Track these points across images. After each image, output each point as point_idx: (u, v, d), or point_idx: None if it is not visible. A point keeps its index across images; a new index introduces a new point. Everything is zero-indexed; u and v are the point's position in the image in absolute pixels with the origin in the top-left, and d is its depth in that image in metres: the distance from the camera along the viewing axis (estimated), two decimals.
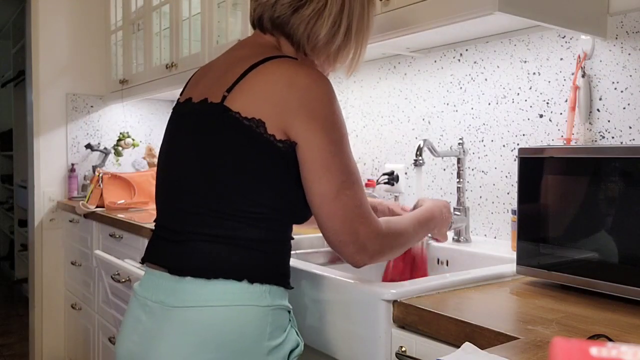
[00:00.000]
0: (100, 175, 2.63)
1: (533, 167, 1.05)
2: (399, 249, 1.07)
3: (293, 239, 1.05)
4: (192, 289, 0.93)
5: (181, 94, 1.11)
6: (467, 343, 0.75)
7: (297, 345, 0.99)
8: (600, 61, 1.31)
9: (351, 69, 1.16)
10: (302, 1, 1.03)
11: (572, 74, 1.36)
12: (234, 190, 0.94)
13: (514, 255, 1.10)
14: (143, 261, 1.05)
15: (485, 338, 0.80)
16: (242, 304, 0.92)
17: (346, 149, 0.98)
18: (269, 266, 0.97)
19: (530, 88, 1.46)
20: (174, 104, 1.12)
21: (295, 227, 1.05)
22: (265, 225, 0.96)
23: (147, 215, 2.22)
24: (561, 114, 1.39)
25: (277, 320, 0.95)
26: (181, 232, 0.98)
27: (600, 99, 1.31)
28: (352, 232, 0.96)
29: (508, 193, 1.51)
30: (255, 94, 0.95)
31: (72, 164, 2.98)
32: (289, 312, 1.00)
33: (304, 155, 0.95)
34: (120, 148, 3.03)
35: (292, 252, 1.06)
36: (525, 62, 1.47)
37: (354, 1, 1.07)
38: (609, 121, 1.29)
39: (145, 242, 1.80)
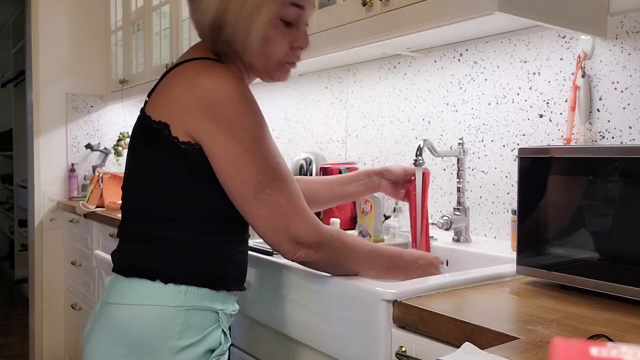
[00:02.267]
0: (100, 175, 2.63)
1: (533, 167, 1.05)
2: (344, 259, 1.03)
3: (245, 240, 1.06)
4: (116, 286, 0.98)
5: None
6: (467, 343, 0.75)
7: (219, 345, 1.00)
8: (600, 61, 1.31)
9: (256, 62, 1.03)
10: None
11: (572, 74, 1.36)
12: (148, 192, 0.98)
13: (514, 255, 1.10)
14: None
15: (485, 338, 0.80)
16: (151, 304, 0.95)
17: (259, 148, 0.95)
18: (187, 267, 0.97)
19: (530, 88, 1.46)
20: None
21: None
22: (180, 226, 0.97)
23: None
24: (561, 114, 1.39)
25: (192, 321, 0.96)
26: (121, 231, 1.04)
27: (600, 99, 1.31)
28: (282, 230, 0.96)
29: (508, 193, 1.51)
30: (162, 97, 0.98)
31: (72, 164, 2.98)
32: (217, 312, 1.00)
33: (212, 159, 0.95)
34: (120, 148, 3.04)
35: None
36: (525, 62, 1.47)
37: None
38: (609, 121, 1.29)
39: None
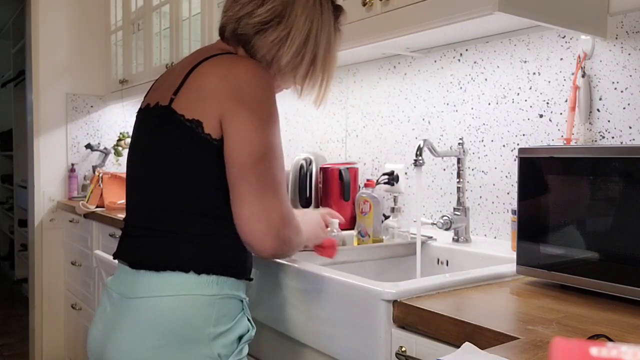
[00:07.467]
0: (100, 175, 2.63)
1: (533, 167, 1.05)
2: (295, 248, 1.06)
3: None
4: (145, 281, 0.99)
5: (144, 98, 1.15)
6: (467, 343, 0.75)
7: (248, 331, 1.04)
8: (600, 61, 1.31)
9: (319, 99, 1.17)
10: (265, 25, 1.06)
11: (572, 74, 1.36)
12: (179, 188, 1.00)
13: (514, 255, 1.10)
14: (114, 257, 1.11)
15: (485, 338, 0.80)
16: (188, 294, 0.97)
17: (273, 129, 1.00)
18: (217, 258, 1.01)
19: (530, 88, 1.46)
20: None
21: None
22: (210, 220, 1.01)
23: None
24: (561, 114, 1.39)
25: (225, 308, 1.00)
26: (139, 228, 1.05)
27: (600, 99, 1.31)
28: (263, 205, 0.96)
29: (508, 193, 1.51)
30: (194, 93, 1.01)
31: (72, 164, 2.98)
32: (242, 301, 1.04)
33: (228, 130, 0.98)
34: (120, 148, 3.04)
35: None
36: (525, 62, 1.47)
37: (320, 33, 1.10)
38: (609, 121, 1.29)
39: None
